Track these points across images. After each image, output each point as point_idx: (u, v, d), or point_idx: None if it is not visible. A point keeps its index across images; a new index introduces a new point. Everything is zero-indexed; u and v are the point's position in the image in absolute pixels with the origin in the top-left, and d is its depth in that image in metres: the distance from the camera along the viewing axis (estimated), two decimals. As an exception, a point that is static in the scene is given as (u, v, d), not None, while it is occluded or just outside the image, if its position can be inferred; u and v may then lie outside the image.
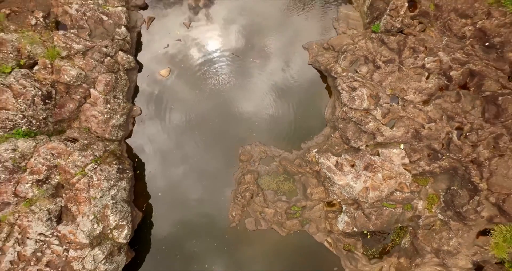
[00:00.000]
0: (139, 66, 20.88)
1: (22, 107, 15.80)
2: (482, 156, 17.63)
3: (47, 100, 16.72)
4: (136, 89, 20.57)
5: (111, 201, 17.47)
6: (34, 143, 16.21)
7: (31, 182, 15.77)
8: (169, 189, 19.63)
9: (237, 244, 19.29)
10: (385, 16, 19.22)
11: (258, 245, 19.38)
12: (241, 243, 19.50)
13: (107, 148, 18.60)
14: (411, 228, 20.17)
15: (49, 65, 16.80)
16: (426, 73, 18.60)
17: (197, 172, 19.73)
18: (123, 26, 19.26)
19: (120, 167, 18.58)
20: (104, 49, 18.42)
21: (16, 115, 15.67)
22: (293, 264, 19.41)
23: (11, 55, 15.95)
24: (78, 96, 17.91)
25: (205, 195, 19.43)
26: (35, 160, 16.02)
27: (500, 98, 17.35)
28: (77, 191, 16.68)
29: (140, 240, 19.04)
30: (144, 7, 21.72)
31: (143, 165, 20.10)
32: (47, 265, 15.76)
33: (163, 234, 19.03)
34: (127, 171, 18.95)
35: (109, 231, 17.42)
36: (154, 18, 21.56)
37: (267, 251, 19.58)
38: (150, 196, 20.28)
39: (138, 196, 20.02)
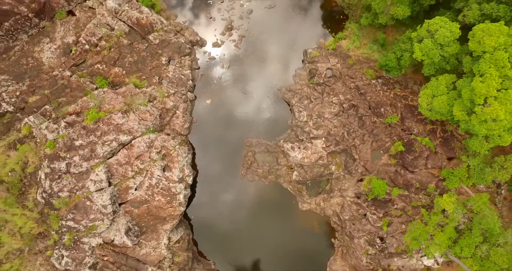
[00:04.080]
0: (196, 97, 41.11)
1: (152, 119, 35.87)
2: (356, 143, 38.25)
3: (160, 116, 36.77)
4: (194, 109, 40.83)
5: (186, 163, 37.44)
6: (155, 135, 36.16)
7: (155, 152, 35.62)
8: (209, 161, 39.75)
9: (244, 188, 39.32)
10: (316, 76, 39.99)
11: (253, 188, 39.49)
12: (245, 188, 39.53)
13: (182, 139, 38.58)
14: (329, 179, 40.28)
15: (161, 100, 36.93)
16: (333, 105, 39.24)
17: (223, 152, 39.92)
18: (190, 80, 39.72)
19: (188, 147, 38.61)
20: (182, 92, 38.82)
21: (150, 123, 35.63)
22: (271, 198, 39.57)
23: (148, 97, 36.05)
24: (170, 114, 38.06)
25: (227, 163, 39.69)
26: (156, 142, 35.88)
27: (363, 117, 38.11)
28: (172, 157, 36.59)
29: (194, 186, 38.88)
30: (198, 68, 42.23)
31: (196, 148, 40.15)
32: (161, 189, 35.43)
33: (206, 183, 39.22)
34: (191, 149, 39.00)
35: (185, 177, 37.14)
36: (203, 74, 42.05)
37: (258, 192, 39.77)
38: (197, 165, 40.24)
39: (193, 163, 39.97)
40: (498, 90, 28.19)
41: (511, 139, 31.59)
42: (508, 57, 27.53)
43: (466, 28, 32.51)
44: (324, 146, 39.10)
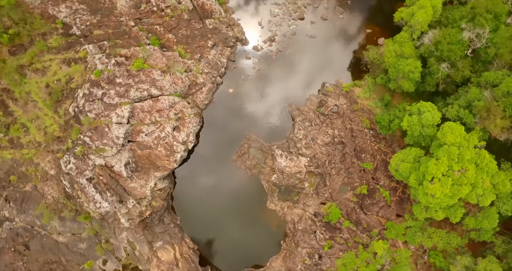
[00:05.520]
0: (222, 83, 53.83)
1: (182, 86, 48.27)
2: (332, 173, 51.38)
3: (189, 86, 49.14)
4: (217, 92, 53.53)
5: (193, 131, 49.74)
6: (179, 99, 48.29)
7: (173, 112, 47.66)
8: (211, 138, 51.94)
9: (229, 170, 51.47)
10: (323, 107, 53.49)
11: (236, 174, 51.70)
12: (230, 171, 51.71)
13: (197, 111, 50.80)
14: (300, 192, 52.81)
15: (194, 74, 49.43)
16: (327, 135, 52.51)
17: (225, 136, 52.24)
18: (223, 68, 52.70)
19: (200, 120, 50.96)
20: (214, 74, 51.70)
21: (179, 88, 47.94)
22: (248, 188, 51.70)
23: (186, 67, 48.50)
24: (197, 88, 50.59)
25: (224, 146, 52.05)
26: (177, 105, 48.03)
27: (346, 155, 51.48)
28: (185, 122, 48.73)
29: (190, 153, 50.78)
30: (234, 60, 55.27)
31: (205, 123, 52.41)
32: (166, 143, 47.25)
33: (201, 154, 51.28)
34: (201, 122, 51.22)
35: (188, 142, 49.03)
36: (236, 67, 55.09)
37: (238, 178, 51.96)
38: (200, 136, 52.36)
39: (198, 134, 51.96)
40: (443, 175, 40.28)
41: (443, 216, 44.70)
42: (458, 154, 40.04)
43: (447, 119, 46.30)
44: (306, 164, 51.87)
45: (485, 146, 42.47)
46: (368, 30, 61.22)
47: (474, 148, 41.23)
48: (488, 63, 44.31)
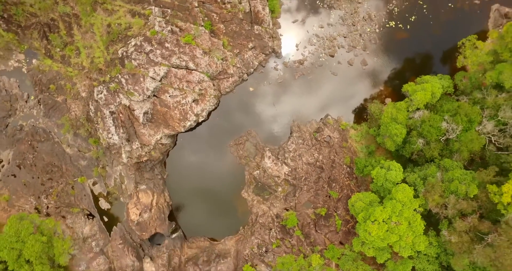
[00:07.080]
0: (247, 80, 64.26)
1: (214, 69, 58.49)
2: (304, 188, 61.67)
3: (220, 72, 59.25)
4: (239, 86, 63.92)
5: (207, 109, 59.88)
6: (207, 79, 58.41)
7: (198, 87, 57.39)
8: (220, 120, 61.96)
9: (223, 153, 61.18)
10: (318, 133, 64.29)
11: (227, 158, 61.39)
12: (223, 153, 61.45)
13: (218, 94, 60.89)
14: (272, 193, 62.71)
15: (227, 64, 59.69)
16: (312, 157, 63.14)
17: (230, 123, 62.15)
18: (252, 69, 63.38)
19: (217, 102, 61.13)
20: (243, 71, 62.28)
21: (211, 70, 58.02)
22: (232, 173, 61.49)
23: (223, 56, 58.75)
24: (225, 76, 61.15)
25: (227, 131, 62.05)
26: (204, 83, 57.94)
27: (320, 179, 62.08)
28: (205, 98, 58.63)
29: (198, 124, 60.31)
30: (264, 66, 66.04)
31: (219, 105, 62.32)
32: (183, 109, 56.88)
33: (206, 130, 60.99)
34: (217, 104, 61.01)
35: (200, 115, 58.65)
36: (263, 72, 65.94)
37: (228, 162, 61.74)
38: (211, 115, 62.17)
39: (209, 113, 61.65)
40: (383, 221, 50.79)
41: (373, 254, 55.21)
42: (400, 210, 50.64)
43: (406, 182, 57.11)
44: (286, 173, 61.91)
45: (422, 211, 53.52)
46: (381, 88, 73.08)
47: (414, 210, 52.15)
48: (453, 152, 56.35)
